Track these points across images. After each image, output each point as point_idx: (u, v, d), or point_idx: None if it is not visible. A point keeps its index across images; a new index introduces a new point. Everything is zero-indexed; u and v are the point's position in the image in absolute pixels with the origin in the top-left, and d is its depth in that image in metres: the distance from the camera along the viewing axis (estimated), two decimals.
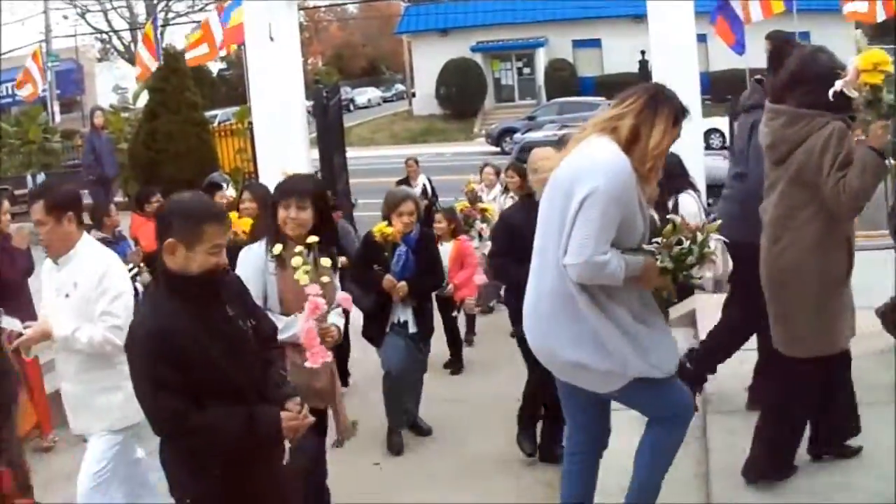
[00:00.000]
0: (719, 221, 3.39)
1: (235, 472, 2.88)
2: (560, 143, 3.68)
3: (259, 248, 3.99)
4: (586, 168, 3.10)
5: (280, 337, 3.55)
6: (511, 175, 8.57)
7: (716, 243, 3.30)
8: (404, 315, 5.59)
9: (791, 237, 3.48)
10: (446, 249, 6.99)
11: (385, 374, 5.67)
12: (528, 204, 4.92)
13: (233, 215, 5.82)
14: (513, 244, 4.88)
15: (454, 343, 7.48)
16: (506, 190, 8.65)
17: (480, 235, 8.39)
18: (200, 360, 2.79)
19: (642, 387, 3.23)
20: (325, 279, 3.87)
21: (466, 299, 7.18)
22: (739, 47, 15.08)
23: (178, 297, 2.85)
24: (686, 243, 3.16)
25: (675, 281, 3.25)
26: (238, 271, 3.73)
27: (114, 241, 7.02)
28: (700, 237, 3.18)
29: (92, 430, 3.98)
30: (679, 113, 3.22)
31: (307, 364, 3.71)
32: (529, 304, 3.37)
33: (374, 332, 5.67)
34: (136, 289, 6.66)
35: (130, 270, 6.99)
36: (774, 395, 3.72)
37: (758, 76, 4.69)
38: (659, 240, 3.18)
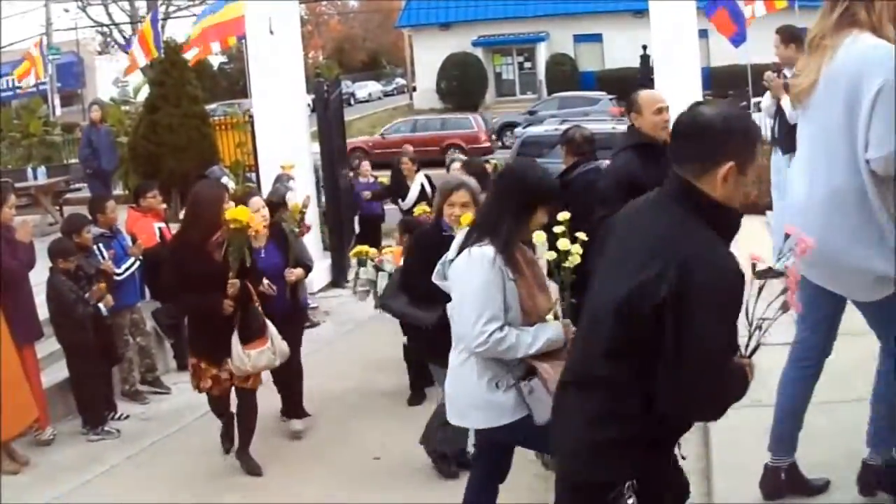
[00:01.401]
0: None
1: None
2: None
3: (486, 250, 3.43)
4: (868, 63, 3.09)
5: (536, 347, 3.35)
6: (463, 172, 8.40)
7: None
8: None
9: None
10: None
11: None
12: (639, 151, 4.50)
13: (240, 210, 5.31)
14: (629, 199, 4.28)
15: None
16: None
17: None
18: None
19: None
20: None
21: None
22: (739, 38, 14.93)
23: (714, 231, 2.34)
24: None
25: None
26: (466, 280, 3.39)
27: (111, 236, 7.01)
28: None
29: None
30: None
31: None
32: (804, 204, 3.31)
33: (441, 352, 3.95)
34: (98, 308, 6.43)
35: (132, 265, 7.01)
36: None
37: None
38: None
